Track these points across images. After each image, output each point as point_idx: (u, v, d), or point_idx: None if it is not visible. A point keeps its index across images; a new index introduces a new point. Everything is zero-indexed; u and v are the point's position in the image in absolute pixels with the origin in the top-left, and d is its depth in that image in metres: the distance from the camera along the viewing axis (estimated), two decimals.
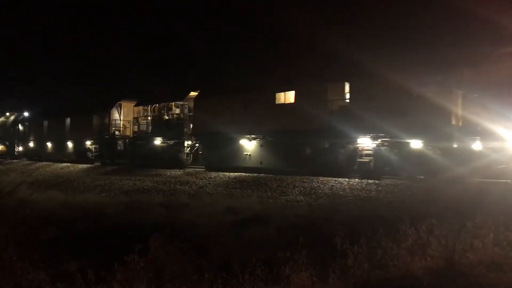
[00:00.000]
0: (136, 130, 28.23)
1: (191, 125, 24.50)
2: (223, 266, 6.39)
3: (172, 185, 18.40)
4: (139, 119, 28.10)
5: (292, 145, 19.08)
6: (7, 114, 47.15)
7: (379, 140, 16.20)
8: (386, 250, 6.28)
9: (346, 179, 16.05)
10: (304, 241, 6.23)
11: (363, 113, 16.17)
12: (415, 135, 15.20)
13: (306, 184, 15.87)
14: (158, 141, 26.05)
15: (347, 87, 17.44)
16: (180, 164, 24.74)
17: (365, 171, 16.54)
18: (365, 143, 16.62)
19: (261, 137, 20.41)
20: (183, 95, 24.98)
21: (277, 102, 19.63)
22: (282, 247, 6.44)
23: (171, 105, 25.94)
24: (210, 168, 22.42)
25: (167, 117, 26.01)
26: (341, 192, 14.21)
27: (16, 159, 41.24)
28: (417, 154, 15.37)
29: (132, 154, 28.62)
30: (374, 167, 16.35)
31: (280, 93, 19.64)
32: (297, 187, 15.58)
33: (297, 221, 10.61)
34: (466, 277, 5.75)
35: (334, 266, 5.99)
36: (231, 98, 21.77)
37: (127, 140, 29.33)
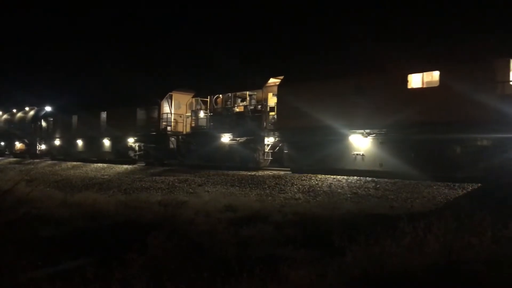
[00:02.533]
0: (194, 125, 23.71)
1: (272, 119, 20.07)
2: None
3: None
4: (198, 112, 23.62)
5: (432, 143, 14.65)
6: (26, 109, 42.24)
7: None
8: None
9: None
10: None
11: None
12: None
13: None
14: (225, 138, 21.56)
15: None
16: (255, 166, 20.27)
17: None
18: None
19: (382, 132, 15.94)
20: (261, 83, 20.48)
21: (409, 86, 15.20)
22: None
23: (244, 95, 21.48)
24: (299, 171, 17.96)
25: (237, 110, 21.54)
26: None
27: (37, 158, 36.68)
28: None
29: (187, 153, 24.13)
30: None
31: (414, 74, 15.21)
32: None
33: None
34: None
35: None
36: (334, 83, 17.27)
37: (180, 137, 24.85)
